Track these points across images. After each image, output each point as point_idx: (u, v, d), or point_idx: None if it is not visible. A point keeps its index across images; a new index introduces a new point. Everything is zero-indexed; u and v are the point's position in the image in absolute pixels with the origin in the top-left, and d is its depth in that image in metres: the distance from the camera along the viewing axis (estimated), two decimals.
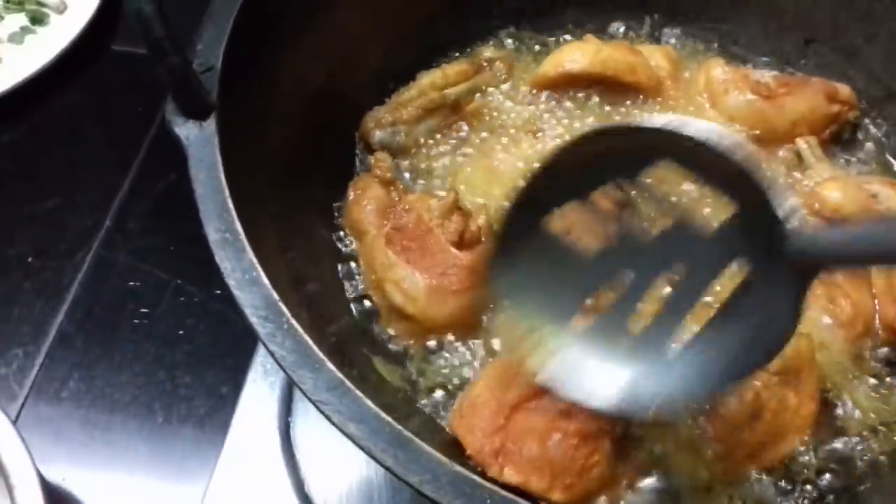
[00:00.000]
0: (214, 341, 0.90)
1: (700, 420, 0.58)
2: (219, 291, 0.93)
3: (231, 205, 0.47)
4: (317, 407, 0.42)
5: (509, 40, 0.84)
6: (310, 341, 0.43)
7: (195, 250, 0.93)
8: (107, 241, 0.98)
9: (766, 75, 0.74)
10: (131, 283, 0.94)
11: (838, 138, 0.74)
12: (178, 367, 0.88)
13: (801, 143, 0.70)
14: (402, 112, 0.74)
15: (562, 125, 0.78)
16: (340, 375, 0.42)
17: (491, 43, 0.83)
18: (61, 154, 1.05)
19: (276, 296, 0.45)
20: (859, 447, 0.60)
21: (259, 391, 0.80)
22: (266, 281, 0.45)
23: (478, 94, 0.78)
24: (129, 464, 0.81)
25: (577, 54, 0.78)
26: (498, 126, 0.78)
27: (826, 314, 0.64)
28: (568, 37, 0.85)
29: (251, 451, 0.76)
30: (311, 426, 0.73)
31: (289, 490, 0.71)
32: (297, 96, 0.63)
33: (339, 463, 0.70)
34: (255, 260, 0.45)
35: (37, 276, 0.94)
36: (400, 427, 0.40)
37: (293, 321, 0.44)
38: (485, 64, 0.80)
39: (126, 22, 1.19)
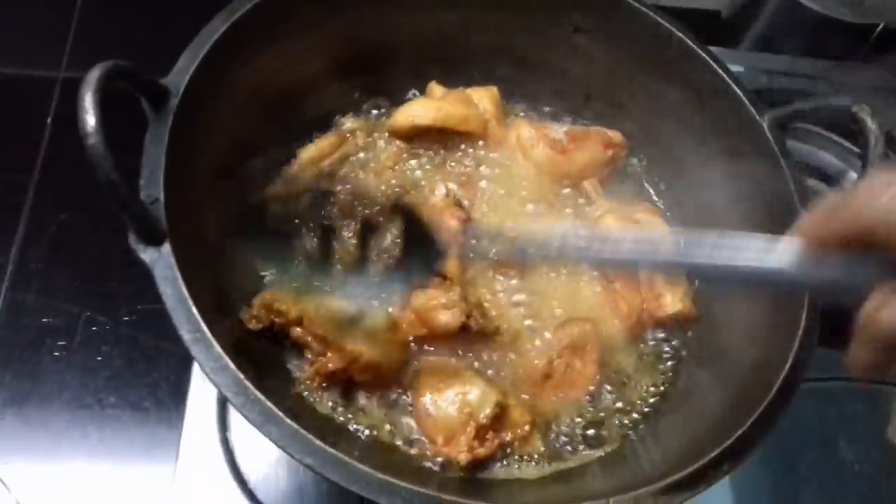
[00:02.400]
0: (129, 363, 1.04)
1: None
2: (126, 318, 1.08)
3: (195, 311, 0.65)
4: (282, 449, 0.62)
5: (366, 106, 1.02)
6: (272, 406, 0.63)
7: (98, 283, 1.10)
8: (13, 282, 1.08)
9: (560, 131, 0.98)
10: (45, 320, 1.06)
11: (614, 173, 1.00)
12: (101, 390, 1.02)
13: (587, 184, 0.95)
14: (292, 186, 0.90)
15: (418, 162, 0.98)
16: (295, 426, 0.63)
17: (351, 113, 1.00)
18: None
19: (241, 376, 0.64)
20: (634, 398, 0.87)
21: (194, 410, 0.96)
22: (232, 366, 0.64)
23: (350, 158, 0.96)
24: (73, 482, 0.96)
25: (421, 109, 0.96)
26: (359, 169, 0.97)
27: (609, 310, 0.90)
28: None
29: (192, 455, 0.93)
30: (244, 432, 0.93)
31: (230, 479, 0.91)
32: (217, 215, 0.79)
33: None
34: (221, 351, 0.64)
35: None
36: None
37: (257, 393, 0.64)
38: (348, 135, 0.97)
39: None
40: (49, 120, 1.23)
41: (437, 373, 0.83)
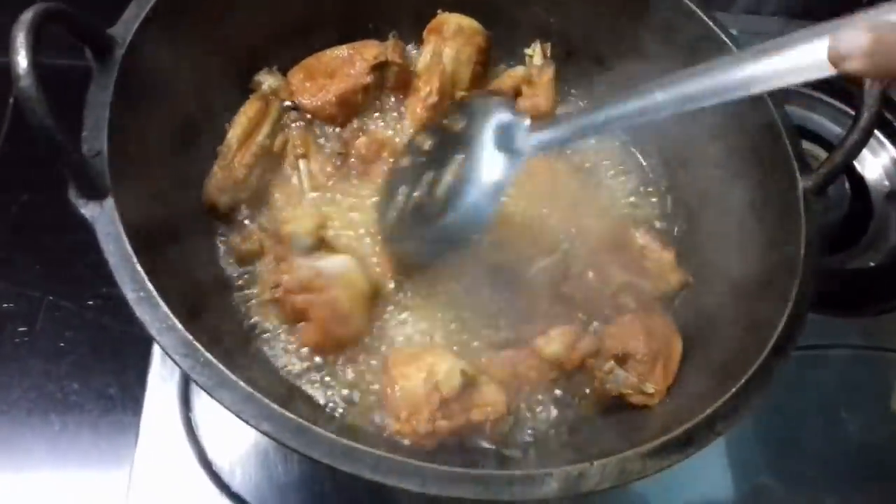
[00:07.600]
0: (95, 348, 0.99)
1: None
2: (91, 302, 1.02)
3: (140, 269, 0.60)
4: (235, 414, 0.57)
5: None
6: (224, 368, 0.58)
7: (62, 266, 1.04)
8: None
9: None
10: (5, 305, 1.01)
11: None
12: (64, 377, 0.96)
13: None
14: (235, 172, 0.83)
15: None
16: (250, 389, 0.58)
17: (265, 69, 0.92)
18: None
19: (190, 337, 0.59)
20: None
21: (155, 388, 0.91)
22: (181, 326, 0.59)
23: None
24: (33, 473, 0.91)
25: None
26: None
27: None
28: None
29: (153, 441, 0.88)
30: (210, 412, 0.87)
31: (195, 464, 0.85)
32: (159, 171, 0.75)
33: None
34: (168, 311, 0.59)
35: None
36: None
37: (207, 353, 0.58)
38: (270, 96, 0.90)
39: None
40: (11, 100, 1.17)
41: (408, 347, 0.80)
